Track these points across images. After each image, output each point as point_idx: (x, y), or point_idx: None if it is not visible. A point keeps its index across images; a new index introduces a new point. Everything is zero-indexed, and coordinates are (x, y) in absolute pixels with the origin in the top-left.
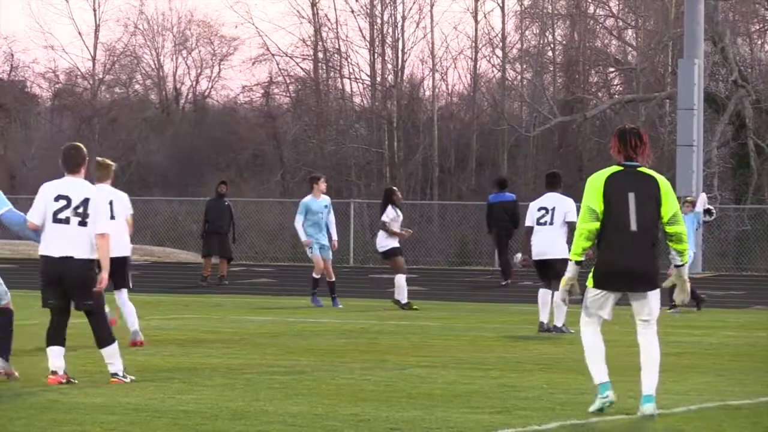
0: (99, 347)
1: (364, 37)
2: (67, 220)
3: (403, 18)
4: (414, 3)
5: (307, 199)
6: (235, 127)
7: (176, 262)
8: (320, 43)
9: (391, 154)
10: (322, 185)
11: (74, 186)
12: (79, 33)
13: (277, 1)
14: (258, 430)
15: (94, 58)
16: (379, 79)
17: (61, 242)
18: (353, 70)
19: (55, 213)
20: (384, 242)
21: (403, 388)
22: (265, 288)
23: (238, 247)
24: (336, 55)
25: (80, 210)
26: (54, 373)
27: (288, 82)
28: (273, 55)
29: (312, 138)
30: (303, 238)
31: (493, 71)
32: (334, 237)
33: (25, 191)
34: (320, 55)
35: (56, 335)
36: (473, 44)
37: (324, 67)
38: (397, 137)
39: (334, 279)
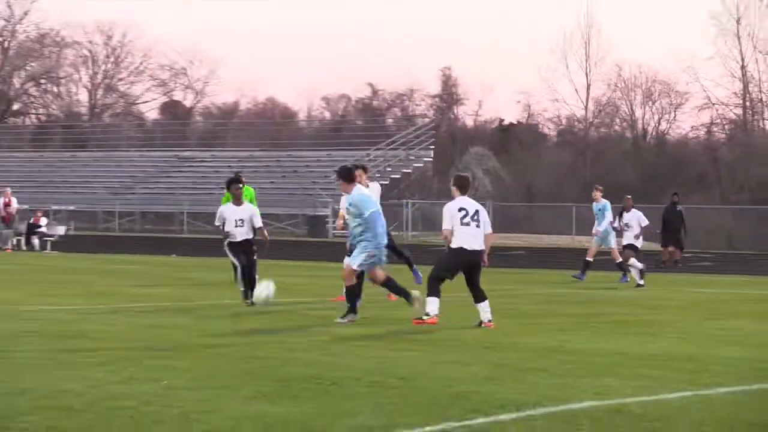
0: (477, 302)
1: None
2: (468, 224)
3: None
4: None
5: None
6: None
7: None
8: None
9: None
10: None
11: (468, 202)
12: (576, 90)
13: (715, 66)
14: (704, 369)
15: (586, 107)
16: None
17: (472, 239)
18: None
19: (461, 219)
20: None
21: None
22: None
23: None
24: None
25: (475, 217)
26: (428, 314)
27: (723, 123)
28: (713, 104)
29: None
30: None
31: None
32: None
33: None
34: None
35: (438, 289)
36: None
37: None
38: None
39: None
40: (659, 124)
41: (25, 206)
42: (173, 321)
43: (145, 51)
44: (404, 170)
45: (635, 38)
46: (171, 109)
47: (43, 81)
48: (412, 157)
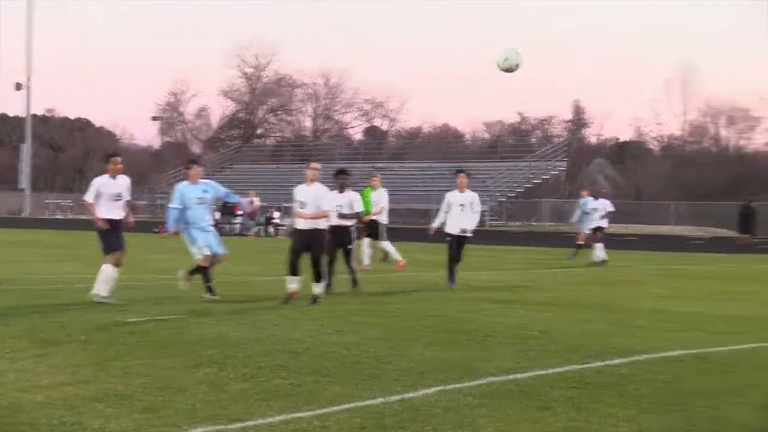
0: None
1: None
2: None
3: None
4: None
5: None
6: None
7: None
8: None
9: None
10: None
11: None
12: (675, 116)
13: None
14: None
15: (683, 129)
16: None
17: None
18: None
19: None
20: None
21: None
22: None
23: None
24: None
25: None
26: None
27: None
28: None
29: None
30: None
31: None
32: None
33: None
34: None
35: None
36: None
37: None
38: None
39: None
40: (739, 140)
41: (265, 204)
42: (373, 296)
43: (354, 89)
44: (543, 177)
45: (723, 77)
46: (371, 131)
47: (279, 112)
48: (550, 167)
